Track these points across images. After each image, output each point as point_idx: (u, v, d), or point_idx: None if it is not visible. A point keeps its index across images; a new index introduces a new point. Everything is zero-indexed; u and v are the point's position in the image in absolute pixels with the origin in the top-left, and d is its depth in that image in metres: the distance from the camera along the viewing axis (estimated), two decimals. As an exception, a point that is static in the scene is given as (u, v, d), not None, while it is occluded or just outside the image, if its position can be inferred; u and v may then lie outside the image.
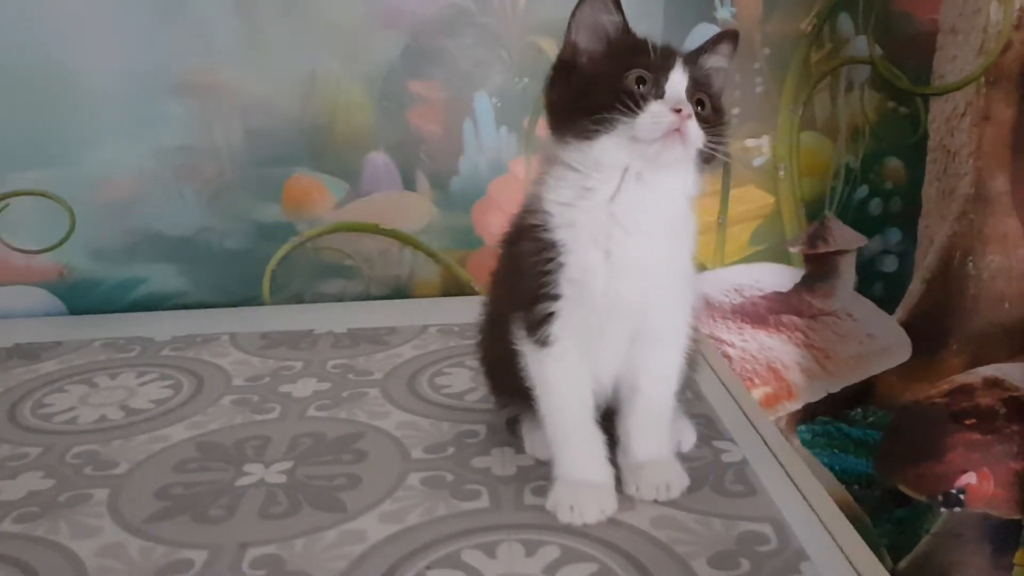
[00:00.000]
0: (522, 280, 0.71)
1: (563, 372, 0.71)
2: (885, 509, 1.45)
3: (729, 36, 0.72)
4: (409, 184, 1.30)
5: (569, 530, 0.69)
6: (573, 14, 0.69)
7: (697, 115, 0.66)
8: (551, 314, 0.70)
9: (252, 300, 1.31)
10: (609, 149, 0.66)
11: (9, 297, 1.27)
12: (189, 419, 0.91)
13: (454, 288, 1.34)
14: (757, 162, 1.33)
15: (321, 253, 1.32)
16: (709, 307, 1.37)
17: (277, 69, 1.24)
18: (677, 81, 0.66)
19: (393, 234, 1.32)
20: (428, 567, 0.64)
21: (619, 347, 0.72)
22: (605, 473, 0.72)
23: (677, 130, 0.64)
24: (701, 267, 1.36)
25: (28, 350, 1.11)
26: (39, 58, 1.19)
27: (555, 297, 0.70)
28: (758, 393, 1.40)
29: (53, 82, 1.20)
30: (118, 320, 1.22)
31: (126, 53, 1.21)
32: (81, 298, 1.28)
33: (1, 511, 0.74)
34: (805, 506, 0.72)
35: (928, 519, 1.44)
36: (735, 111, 1.30)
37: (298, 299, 1.32)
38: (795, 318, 1.38)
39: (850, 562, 0.64)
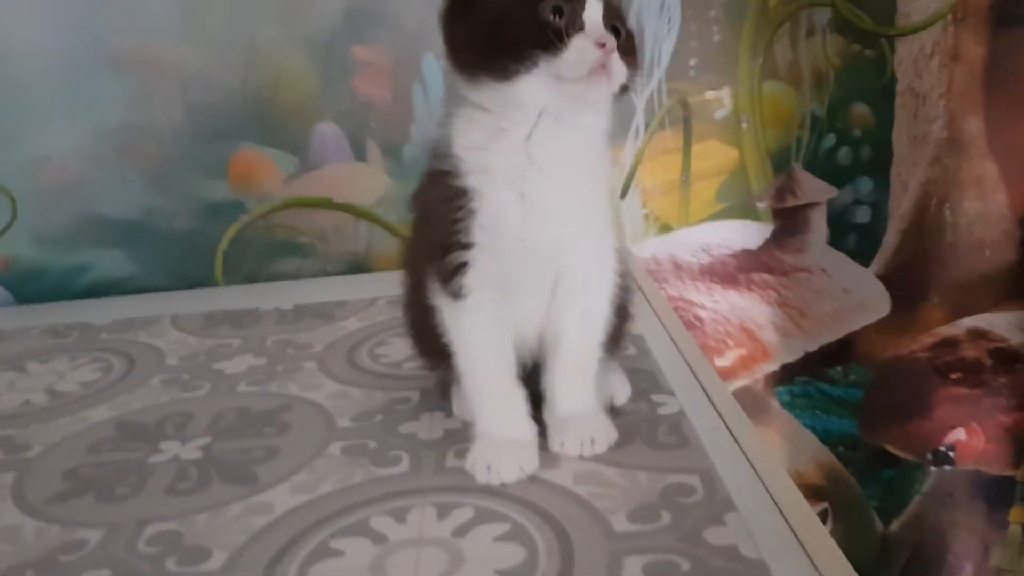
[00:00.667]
0: (433, 230, 0.67)
1: (479, 325, 0.67)
2: (872, 470, 1.41)
3: None
4: (360, 154, 1.26)
5: (487, 490, 0.65)
6: None
7: (616, 45, 0.61)
8: (464, 264, 0.66)
9: (204, 282, 1.27)
10: (530, 89, 0.61)
11: (-47, 289, 1.24)
12: (113, 400, 0.87)
13: (412, 260, 1.29)
14: (718, 115, 1.28)
15: (273, 231, 1.28)
16: (677, 268, 1.33)
17: (215, 39, 1.20)
18: (594, 9, 0.61)
19: (347, 208, 1.28)
20: (331, 535, 0.60)
21: (539, 297, 0.68)
22: (526, 430, 0.68)
23: (603, 66, 0.60)
24: (666, 227, 1.32)
25: (-36, 340, 1.08)
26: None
27: (467, 246, 0.65)
28: (733, 355, 1.35)
29: (-19, 62, 1.16)
30: (63, 308, 1.19)
31: (57, 29, 1.17)
32: (28, 287, 1.25)
33: (-100, 499, 0.70)
34: (739, 455, 0.67)
35: (918, 479, 1.40)
36: (692, 62, 1.25)
37: (252, 279, 1.28)
38: (766, 276, 1.34)
39: (779, 509, 0.60)
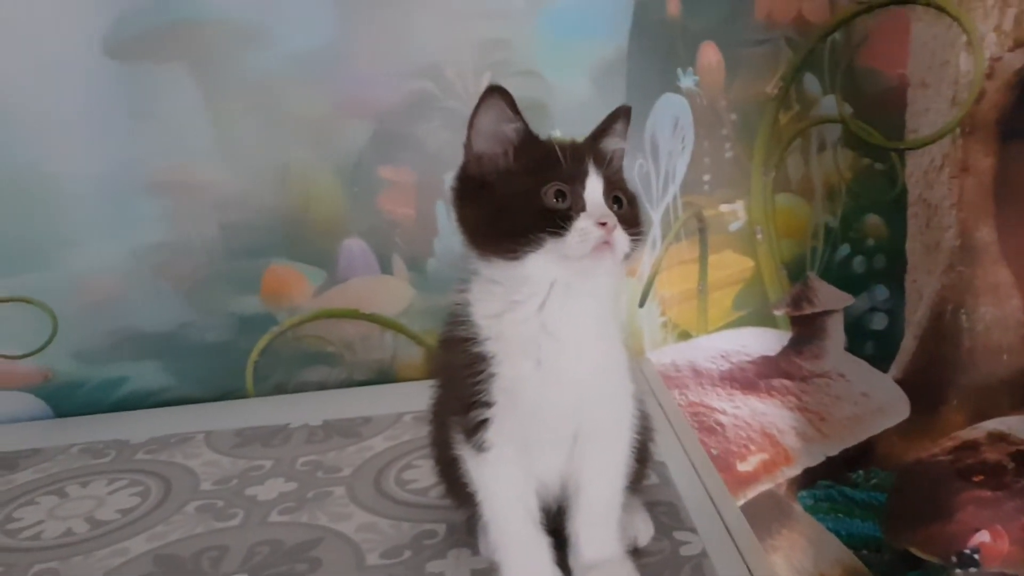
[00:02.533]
0: (455, 389, 0.70)
1: (502, 476, 0.70)
2: (897, 573, 1.40)
3: (622, 113, 0.71)
4: (386, 268, 1.30)
5: (512, 642, 0.67)
6: (471, 124, 0.67)
7: (618, 216, 0.65)
8: (485, 420, 0.69)
9: (236, 392, 1.31)
10: (538, 266, 0.65)
11: (-5, 403, 1.28)
12: (151, 530, 0.90)
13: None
14: (733, 227, 1.32)
15: (302, 341, 1.32)
16: (697, 375, 1.35)
17: (249, 163, 1.25)
18: (594, 188, 0.65)
19: (373, 318, 1.32)
20: None
21: (559, 449, 0.71)
22: (551, 577, 0.70)
23: (606, 242, 0.64)
24: (685, 335, 1.34)
25: (7, 459, 1.11)
26: (12, 162, 1.21)
27: (488, 404, 0.68)
28: (755, 460, 1.36)
29: (28, 186, 1.22)
30: (100, 422, 1.23)
31: (99, 155, 1.23)
32: (66, 400, 1.29)
33: (-51, 642, 0.73)
34: (760, 605, 0.69)
35: (943, 581, 1.39)
36: (706, 177, 1.29)
37: (281, 388, 1.32)
38: (786, 381, 1.36)
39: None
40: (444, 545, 0.82)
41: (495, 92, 0.66)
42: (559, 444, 0.70)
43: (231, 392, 1.31)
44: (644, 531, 0.78)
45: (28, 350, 1.27)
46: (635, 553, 0.75)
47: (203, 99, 1.23)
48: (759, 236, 1.32)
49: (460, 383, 0.69)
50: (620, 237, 0.64)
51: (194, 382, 1.31)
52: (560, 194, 0.65)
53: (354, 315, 1.31)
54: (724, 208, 1.31)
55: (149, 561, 0.84)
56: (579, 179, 0.65)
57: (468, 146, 0.68)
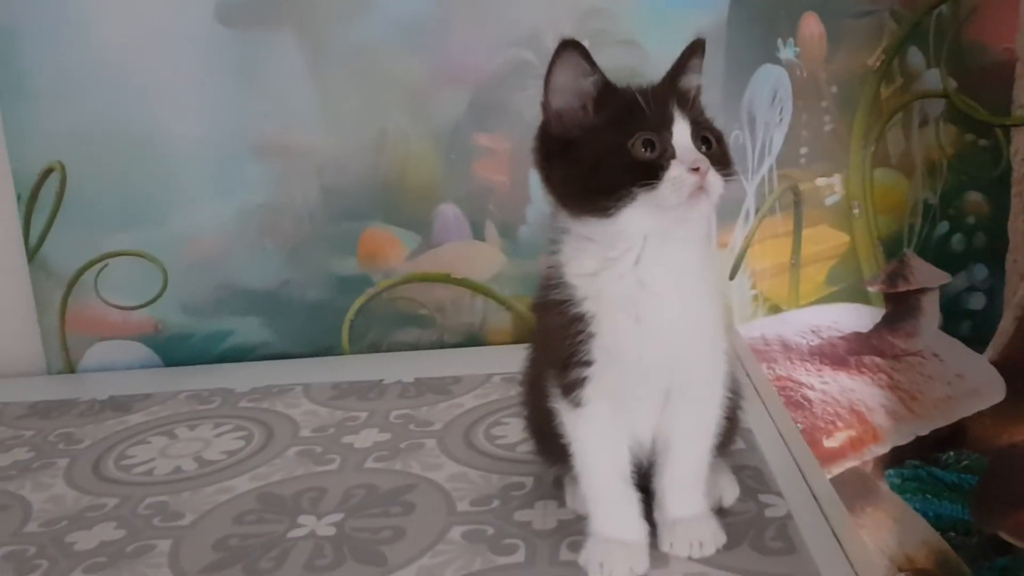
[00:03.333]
0: (552, 350, 0.72)
1: (597, 431, 0.72)
2: (986, 557, 1.38)
3: (698, 47, 0.69)
4: (478, 234, 1.33)
5: (599, 587, 0.69)
6: (547, 81, 0.66)
7: (708, 157, 0.64)
8: (584, 378, 0.70)
9: (332, 349, 1.36)
10: (632, 220, 0.65)
11: (109, 350, 1.36)
12: (254, 471, 0.95)
13: (526, 334, 1.35)
14: (829, 201, 1.30)
15: (396, 303, 1.36)
16: (786, 349, 1.35)
17: (349, 128, 1.29)
18: (682, 132, 0.65)
19: (464, 283, 1.35)
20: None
21: (653, 405, 0.72)
22: (638, 531, 0.72)
23: (700, 187, 0.64)
24: (776, 309, 1.34)
25: (120, 402, 1.18)
26: (130, 125, 1.29)
27: (587, 363, 0.70)
28: (841, 437, 1.36)
29: (143, 150, 1.29)
30: (206, 372, 1.29)
31: (209, 118, 1.29)
32: (174, 350, 1.36)
33: (74, 561, 0.79)
34: (846, 566, 0.70)
35: (1034, 569, 1.36)
36: (803, 150, 1.28)
37: (375, 348, 1.37)
38: (877, 359, 1.34)
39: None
40: (531, 496, 0.85)
41: (569, 46, 0.65)
42: (653, 400, 0.72)
43: (327, 350, 1.36)
44: (730, 492, 0.80)
45: (141, 301, 1.35)
46: (720, 513, 0.76)
47: (307, 65, 1.28)
48: (856, 211, 1.30)
49: (558, 344, 0.70)
50: (714, 180, 0.64)
51: (293, 338, 1.36)
52: (648, 143, 0.64)
53: (445, 279, 1.35)
54: (821, 182, 1.29)
55: (253, 498, 0.89)
56: (665, 125, 0.64)
57: (546, 105, 0.67)
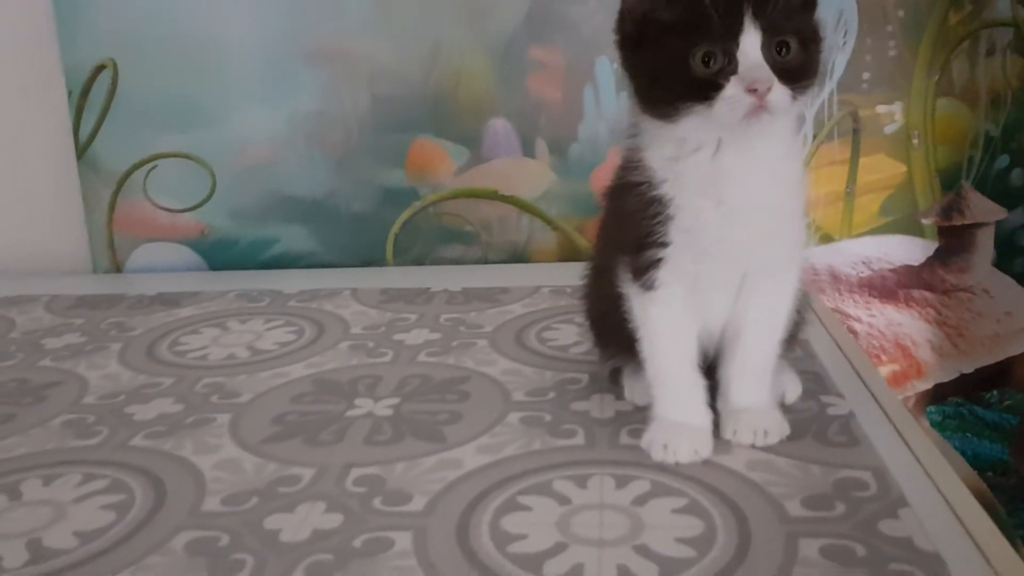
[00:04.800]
0: (628, 231, 0.70)
1: (668, 315, 0.71)
2: (1022, 499, 1.37)
3: None
4: (528, 150, 1.32)
5: (661, 467, 0.69)
6: None
7: (780, 68, 0.61)
8: (658, 260, 0.69)
9: (376, 262, 1.36)
10: (692, 128, 0.64)
11: (156, 252, 1.36)
12: (308, 360, 0.95)
13: (571, 256, 1.34)
14: (889, 129, 1.28)
15: (442, 218, 1.35)
16: (835, 279, 1.33)
17: (403, 37, 1.28)
18: (750, 45, 0.61)
19: (512, 200, 1.34)
20: (519, 493, 0.66)
21: (728, 291, 0.71)
22: (703, 416, 0.71)
23: (760, 105, 0.61)
24: (827, 238, 1.32)
25: (169, 298, 1.19)
26: (183, 29, 1.27)
27: (663, 245, 0.69)
28: (885, 371, 1.34)
29: (195, 52, 1.28)
30: (252, 276, 1.29)
31: (262, 23, 1.28)
32: (220, 255, 1.36)
33: (133, 429, 0.80)
34: (910, 457, 0.69)
35: (1070, 512, 1.36)
36: (866, 75, 1.25)
37: (419, 262, 1.36)
38: (927, 293, 1.33)
39: (952, 509, 0.62)
40: (588, 390, 0.84)
41: None
42: (728, 285, 0.71)
43: (372, 262, 1.36)
44: (792, 389, 0.79)
45: (188, 205, 1.35)
46: (782, 410, 0.76)
47: (363, -29, 1.26)
48: (915, 141, 1.28)
49: (634, 225, 0.69)
50: (777, 97, 0.61)
51: (338, 249, 1.36)
52: (709, 56, 0.61)
53: (493, 196, 1.34)
54: (881, 109, 1.27)
55: (309, 382, 0.89)
56: (732, 35, 0.61)
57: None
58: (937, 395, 1.36)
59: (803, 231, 0.72)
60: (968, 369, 1.34)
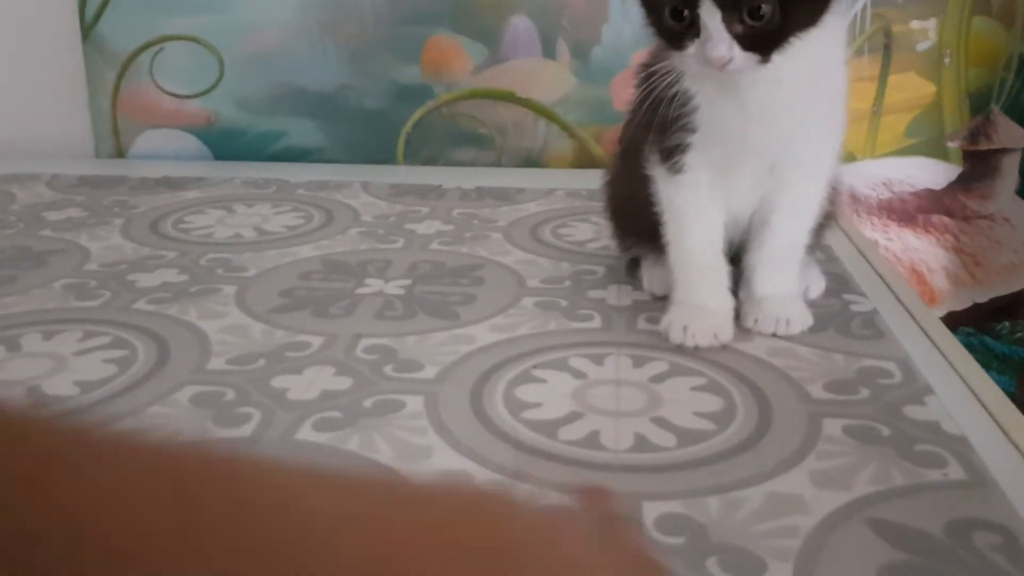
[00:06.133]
0: (656, 114, 0.68)
1: (695, 200, 0.69)
2: (1025, 434, 1.36)
3: None
4: (549, 52, 1.27)
5: (680, 350, 0.67)
6: None
7: (749, 35, 0.58)
8: (686, 144, 0.67)
9: (386, 161, 1.32)
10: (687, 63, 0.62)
11: (161, 139, 1.33)
12: (317, 242, 0.93)
13: (587, 164, 1.31)
14: (921, 47, 1.24)
15: (456, 119, 1.31)
16: (854, 200, 1.30)
17: (425, -76, 1.23)
18: (708, 16, 0.58)
19: (528, 104, 1.30)
20: (533, 367, 0.64)
21: (756, 179, 0.69)
22: (725, 301, 0.69)
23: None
24: (850, 157, 1.29)
25: (175, 181, 1.16)
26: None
27: (690, 131, 0.66)
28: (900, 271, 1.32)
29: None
30: (259, 166, 1.26)
31: (279, -101, 1.23)
32: (225, 145, 1.32)
33: (136, 295, 0.78)
34: (934, 350, 0.68)
35: (1072, 450, 1.35)
36: (900, -12, 1.21)
37: (430, 163, 1.33)
38: (946, 219, 1.30)
39: (977, 397, 0.60)
40: (604, 280, 0.82)
41: None
42: (757, 173, 0.68)
43: (381, 161, 1.32)
44: (816, 284, 0.77)
45: (195, 91, 1.31)
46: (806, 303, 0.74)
47: None
48: (947, 60, 1.24)
49: (662, 108, 0.66)
50: (739, 64, 0.59)
51: (347, 147, 1.32)
52: (677, 13, 0.59)
53: (509, 97, 1.30)
54: (915, 25, 1.23)
55: (318, 262, 0.87)
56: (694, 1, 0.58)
57: None
58: (949, 323, 1.33)
59: (840, 126, 0.69)
60: (982, 299, 1.32)
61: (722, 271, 0.69)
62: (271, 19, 1.28)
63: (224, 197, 1.09)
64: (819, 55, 0.65)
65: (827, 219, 0.75)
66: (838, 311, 0.75)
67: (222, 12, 1.27)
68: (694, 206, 0.69)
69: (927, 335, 0.70)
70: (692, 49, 0.60)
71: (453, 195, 1.12)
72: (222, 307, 0.75)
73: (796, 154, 0.68)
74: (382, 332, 0.70)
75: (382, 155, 1.32)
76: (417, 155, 1.33)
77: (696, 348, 0.67)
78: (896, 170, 1.29)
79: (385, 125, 1.32)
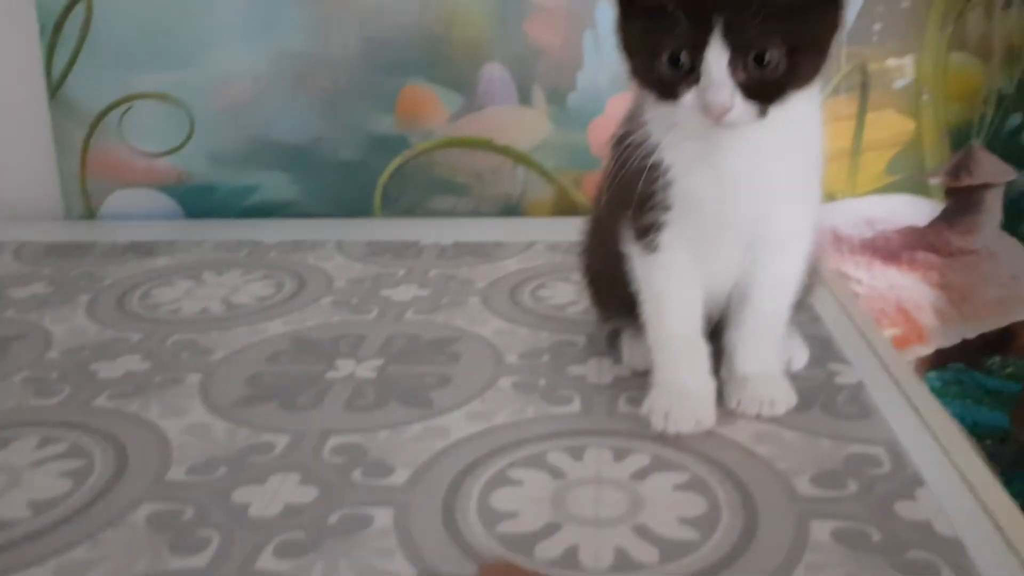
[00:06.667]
0: (630, 188, 0.65)
1: (672, 279, 0.66)
2: (1020, 467, 1.34)
3: None
4: (525, 98, 1.25)
5: (662, 439, 0.65)
6: None
7: (752, 83, 0.55)
8: (660, 222, 0.65)
9: (362, 213, 1.30)
10: (671, 111, 0.59)
11: (131, 198, 1.30)
12: (287, 316, 0.90)
13: (567, 210, 1.29)
14: (898, 84, 1.22)
15: (433, 167, 1.29)
16: (837, 240, 1.29)
17: (396, -25, 1.21)
18: (714, 61, 0.54)
19: (506, 151, 1.28)
20: (510, 465, 0.62)
21: (734, 254, 0.67)
22: (706, 384, 0.67)
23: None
24: (831, 197, 1.27)
25: (143, 247, 1.13)
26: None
27: (665, 208, 0.64)
28: (886, 334, 1.30)
29: (175, -19, 1.21)
30: (231, 225, 1.24)
31: (246, -46, 1.20)
32: (198, 202, 1.30)
33: (98, 388, 0.75)
34: (923, 430, 0.65)
35: (1068, 481, 1.33)
36: (877, 26, 1.19)
37: (408, 213, 1.31)
38: (931, 255, 1.28)
39: (970, 487, 0.58)
40: (584, 353, 0.80)
41: None
42: (735, 249, 0.66)
43: (358, 212, 1.30)
44: (799, 355, 0.75)
45: (165, 148, 1.28)
46: (789, 377, 0.71)
47: (355, -98, 1.18)
48: (925, 97, 1.22)
49: (635, 183, 0.63)
50: (738, 116, 0.56)
51: (322, 199, 1.30)
52: (675, 58, 0.56)
53: (487, 145, 1.28)
54: (891, 63, 1.21)
55: (287, 340, 0.84)
56: (700, 44, 0.54)
57: None
58: (938, 360, 1.32)
59: (817, 198, 0.67)
60: (971, 334, 1.30)
61: (702, 352, 0.67)
62: (242, 73, 1.25)
63: (194, 265, 1.06)
64: (800, 123, 0.64)
65: (809, 285, 0.73)
66: (823, 383, 0.72)
67: (192, 68, 1.25)
68: (672, 285, 0.67)
69: (916, 411, 0.68)
70: (689, 97, 0.56)
71: (431, 252, 1.10)
72: (185, 401, 0.72)
73: (774, 229, 0.66)
74: (352, 426, 0.68)
75: (359, 206, 1.30)
76: (394, 205, 1.31)
77: (678, 435, 0.65)
78: (878, 208, 1.27)
79: (361, 176, 1.29)
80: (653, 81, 0.58)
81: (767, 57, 0.55)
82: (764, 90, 0.56)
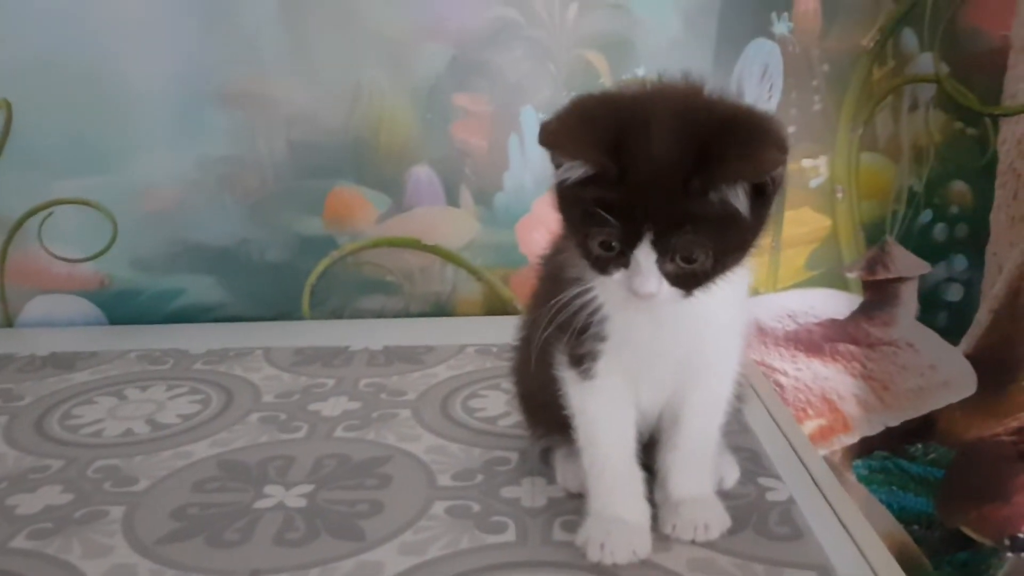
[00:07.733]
0: (566, 320, 0.65)
1: (605, 406, 0.67)
2: (947, 551, 1.37)
3: (752, 165, 0.58)
4: (452, 199, 1.27)
5: (598, 569, 0.64)
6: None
7: (678, 275, 0.57)
8: (597, 351, 0.65)
9: (291, 314, 1.29)
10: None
11: (50, 305, 1.27)
12: (214, 436, 0.88)
13: (496, 307, 1.30)
14: (814, 183, 1.27)
15: (362, 268, 1.29)
16: (761, 333, 1.32)
17: (322, 80, 1.22)
18: (643, 257, 0.56)
19: (435, 250, 1.29)
20: (445, 605, 0.61)
21: (666, 380, 0.68)
22: (641, 512, 0.67)
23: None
24: (754, 292, 1.30)
25: (64, 359, 1.10)
26: (82, 66, 1.19)
27: (601, 339, 0.65)
28: (812, 425, 1.33)
29: (97, 86, 1.19)
30: (156, 331, 1.21)
31: (171, 59, 1.20)
32: (121, 308, 1.27)
33: (16, 526, 0.72)
34: (855, 552, 0.66)
35: (992, 564, 1.36)
36: (791, 129, 1.24)
37: (337, 314, 1.30)
38: (852, 347, 1.32)
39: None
40: (517, 473, 0.80)
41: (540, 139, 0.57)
42: (666, 375, 0.67)
43: (286, 314, 1.29)
44: (730, 473, 0.76)
45: (87, 254, 1.26)
46: (720, 496, 0.72)
47: (279, 8, 1.20)
48: (839, 195, 1.27)
49: (571, 313, 0.63)
50: (664, 297, 0.58)
51: (250, 301, 1.29)
52: (607, 245, 0.57)
53: (416, 245, 1.28)
54: (806, 163, 1.26)
55: (214, 465, 0.82)
56: (630, 243, 0.56)
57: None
58: (863, 449, 1.35)
59: (744, 322, 0.68)
60: (894, 423, 1.34)
61: (637, 479, 0.68)
62: (167, 177, 1.24)
63: (117, 379, 1.03)
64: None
65: (739, 398, 0.74)
66: (755, 501, 0.73)
67: (114, 173, 1.23)
68: (605, 411, 0.67)
69: (847, 531, 0.69)
70: (618, 276, 0.58)
71: (360, 359, 1.09)
72: (107, 539, 0.70)
73: (704, 353, 0.67)
74: (282, 564, 0.66)
75: (287, 307, 1.29)
76: (323, 306, 1.30)
77: (615, 565, 0.64)
78: (800, 302, 1.31)
79: (289, 277, 1.29)
80: (586, 253, 0.59)
81: (693, 257, 0.57)
82: (690, 281, 0.58)
